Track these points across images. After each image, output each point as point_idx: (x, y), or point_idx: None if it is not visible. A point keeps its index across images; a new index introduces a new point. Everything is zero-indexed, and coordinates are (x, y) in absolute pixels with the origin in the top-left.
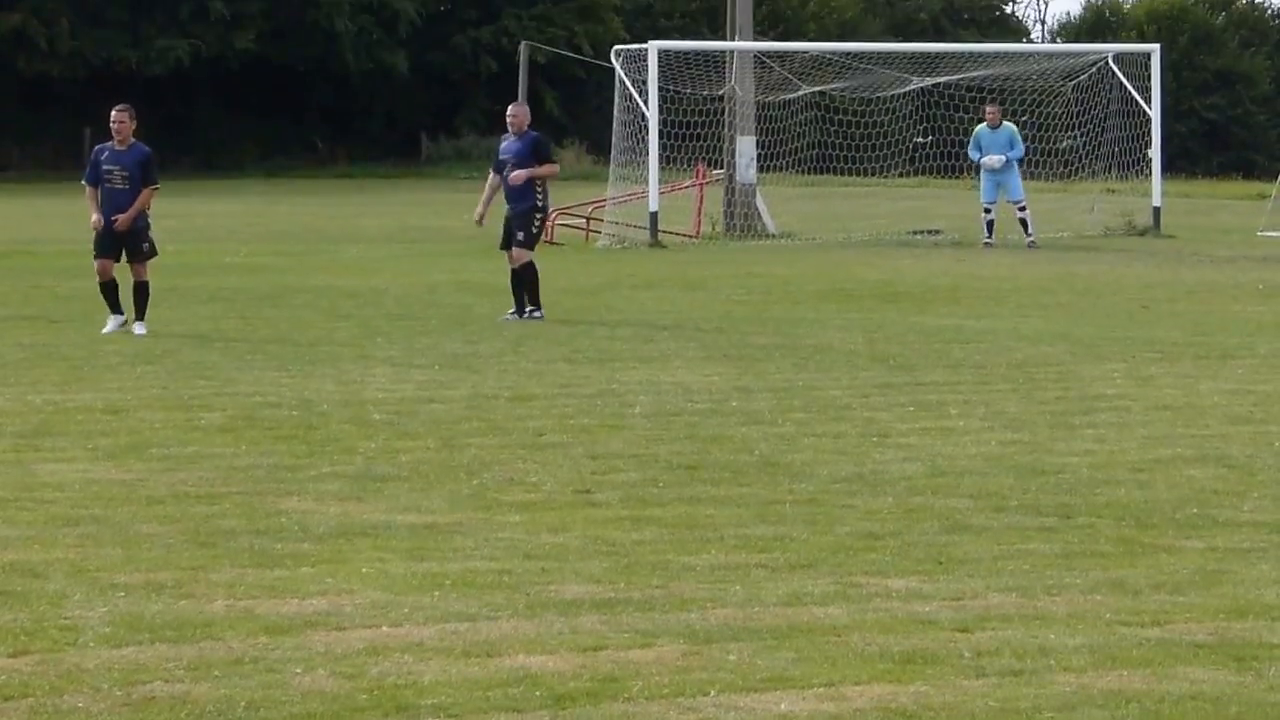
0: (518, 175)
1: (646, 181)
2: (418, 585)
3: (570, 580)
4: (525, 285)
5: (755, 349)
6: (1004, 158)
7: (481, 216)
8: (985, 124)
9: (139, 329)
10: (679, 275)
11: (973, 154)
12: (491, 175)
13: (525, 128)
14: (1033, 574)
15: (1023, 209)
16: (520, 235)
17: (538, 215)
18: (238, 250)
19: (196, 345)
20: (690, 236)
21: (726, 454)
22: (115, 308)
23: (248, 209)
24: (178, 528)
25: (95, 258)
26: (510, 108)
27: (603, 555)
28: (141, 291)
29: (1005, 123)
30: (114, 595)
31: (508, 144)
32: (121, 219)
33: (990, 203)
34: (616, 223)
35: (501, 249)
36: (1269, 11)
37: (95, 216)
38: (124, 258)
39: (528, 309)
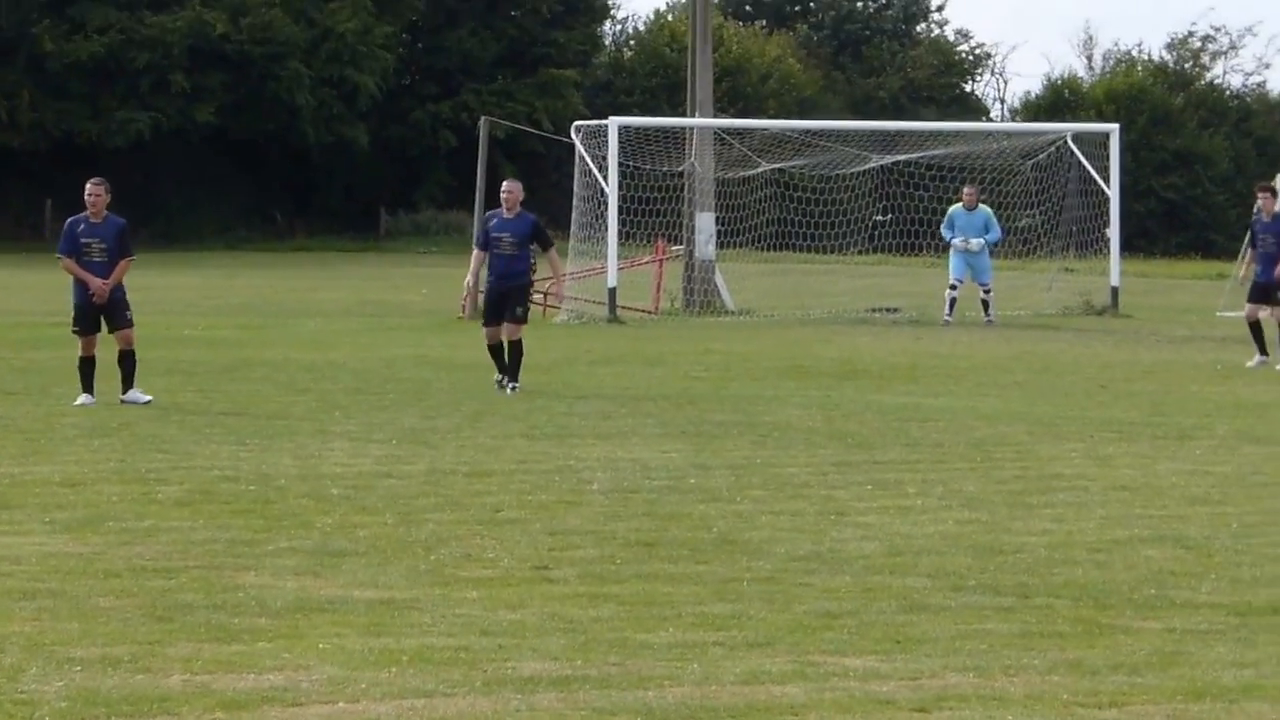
0: (559, 294)
1: (605, 257)
2: (374, 661)
3: (528, 657)
4: (517, 358)
5: (713, 426)
6: (983, 241)
7: (474, 292)
8: (961, 205)
9: (139, 396)
10: (638, 351)
11: (945, 233)
12: (477, 251)
13: (519, 205)
14: (990, 654)
15: (988, 291)
16: (519, 310)
17: (531, 290)
18: (196, 323)
19: (154, 418)
20: (649, 312)
21: (684, 531)
22: (89, 386)
23: (206, 282)
24: (135, 601)
25: (80, 334)
26: (505, 184)
27: (560, 632)
28: (128, 359)
29: (981, 205)
30: (70, 669)
31: (500, 221)
32: (99, 289)
33: (958, 281)
34: (575, 298)
35: (487, 324)
36: (1228, 92)
37: (97, 282)
38: (105, 329)
39: (510, 382)
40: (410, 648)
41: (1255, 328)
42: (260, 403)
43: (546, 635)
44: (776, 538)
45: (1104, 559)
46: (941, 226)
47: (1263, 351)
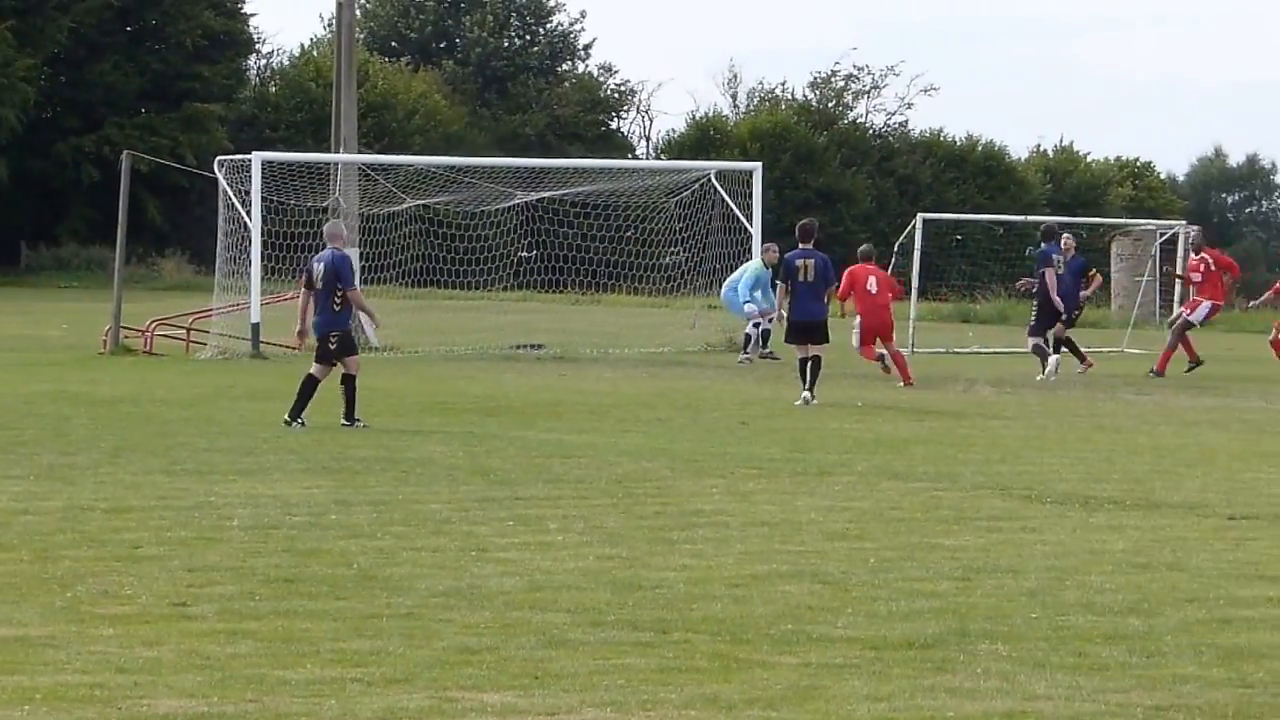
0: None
1: (249, 292)
2: (7, 699)
3: (163, 694)
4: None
5: (356, 462)
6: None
7: (304, 332)
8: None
9: None
10: (281, 387)
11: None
12: (305, 291)
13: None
14: (628, 689)
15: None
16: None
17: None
18: None
19: None
20: (293, 348)
21: (325, 567)
22: None
23: None
24: None
25: None
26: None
27: (197, 669)
28: None
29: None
30: None
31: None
32: None
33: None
34: (221, 334)
35: (322, 360)
36: (870, 131)
37: None
38: None
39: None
40: (44, 685)
41: (1068, 342)
42: None
43: (183, 672)
44: (417, 574)
45: (742, 594)
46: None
47: (1081, 359)
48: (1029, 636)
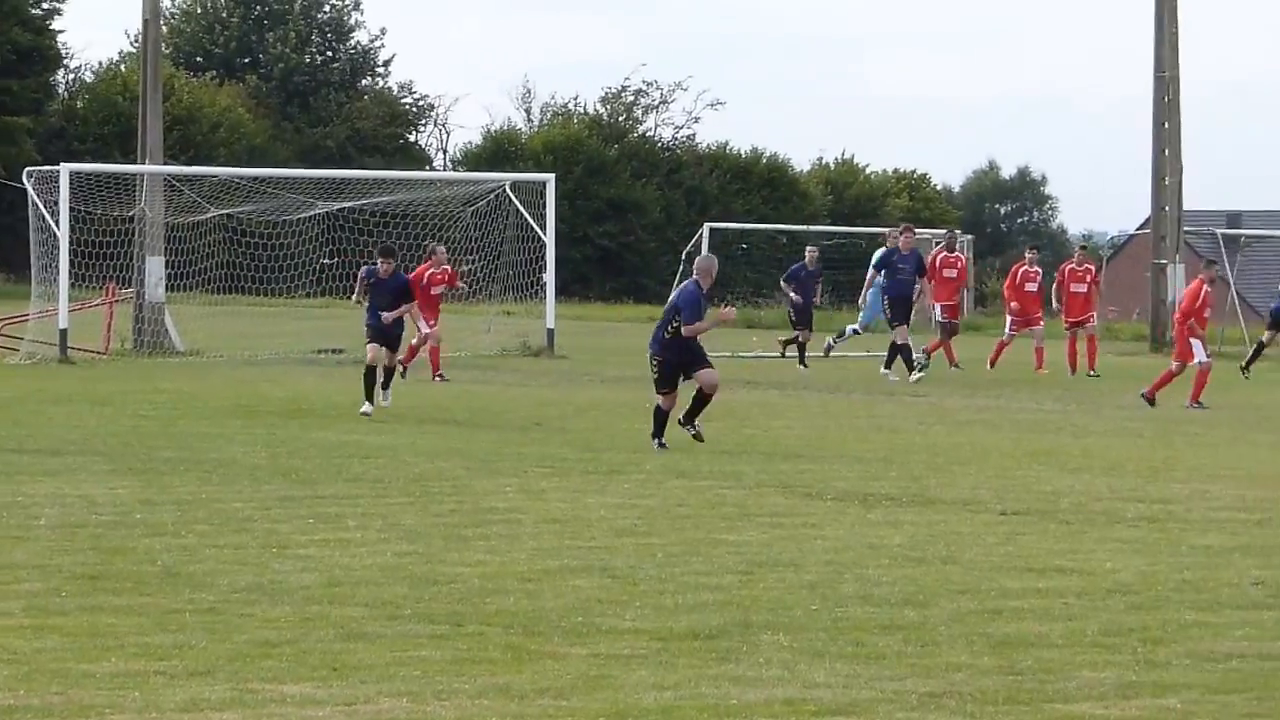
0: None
1: (57, 299)
2: None
3: None
4: None
5: (161, 463)
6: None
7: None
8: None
9: None
10: (88, 391)
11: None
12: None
13: None
14: (424, 680)
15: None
16: None
17: None
18: None
19: None
20: (100, 353)
21: (129, 564)
22: None
23: None
24: None
25: None
26: None
27: (4, 663)
28: None
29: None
30: None
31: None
32: None
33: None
34: (33, 340)
35: None
36: (659, 144)
37: None
38: None
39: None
40: None
41: (903, 349)
42: None
43: None
44: (219, 570)
45: (534, 588)
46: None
47: (910, 366)
48: (809, 627)
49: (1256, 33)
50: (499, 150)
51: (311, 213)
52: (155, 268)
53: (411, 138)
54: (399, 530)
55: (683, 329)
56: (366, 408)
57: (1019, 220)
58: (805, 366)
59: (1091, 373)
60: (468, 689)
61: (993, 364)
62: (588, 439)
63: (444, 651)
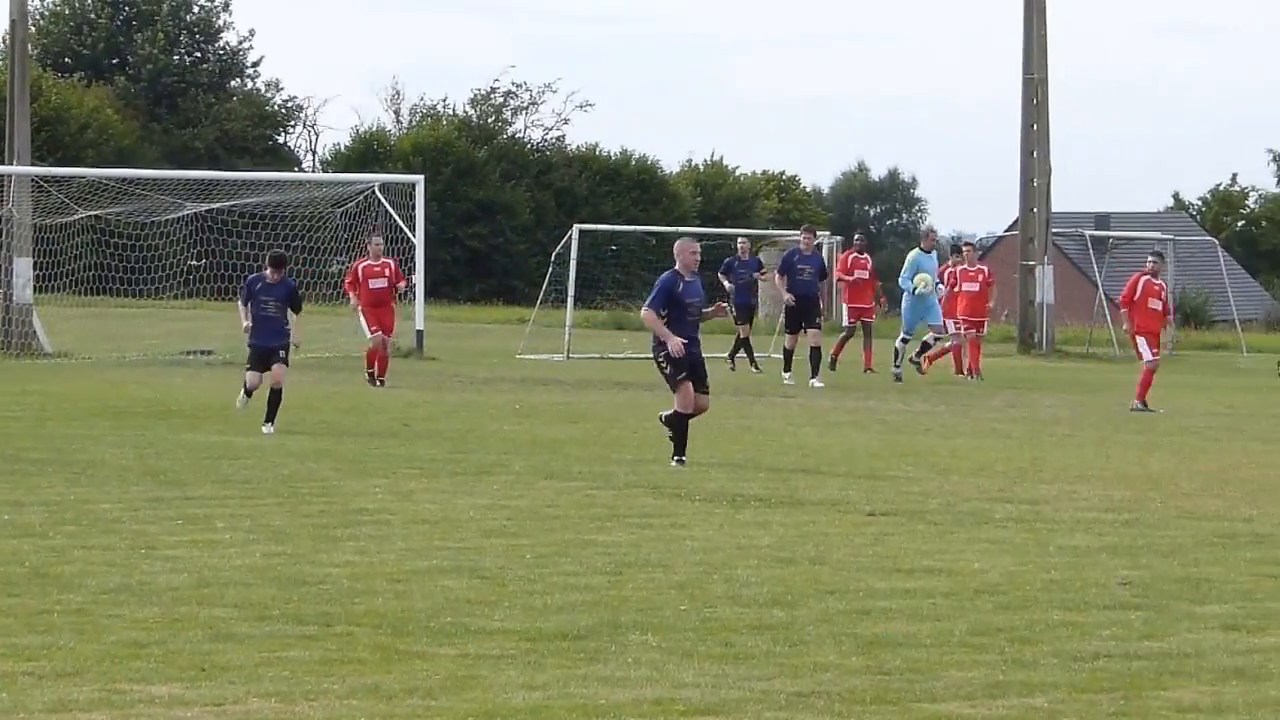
0: None
1: None
2: None
3: None
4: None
5: (29, 464)
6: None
7: None
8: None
9: None
10: None
11: (906, 283)
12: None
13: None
14: (293, 680)
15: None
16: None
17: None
18: None
19: None
20: None
21: None
22: None
23: None
24: None
25: None
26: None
27: None
28: None
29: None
30: None
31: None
32: None
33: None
34: None
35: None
36: (529, 146)
37: None
38: None
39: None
40: None
41: (790, 355)
42: None
43: None
44: (88, 571)
45: (403, 589)
46: (902, 277)
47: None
48: (678, 627)
49: (1125, 34)
50: (368, 151)
51: (180, 214)
52: (23, 269)
53: (280, 139)
54: (268, 531)
55: (642, 310)
56: (241, 402)
57: (888, 222)
58: (758, 370)
59: (977, 376)
60: (336, 689)
61: (926, 365)
62: (457, 440)
63: (313, 652)
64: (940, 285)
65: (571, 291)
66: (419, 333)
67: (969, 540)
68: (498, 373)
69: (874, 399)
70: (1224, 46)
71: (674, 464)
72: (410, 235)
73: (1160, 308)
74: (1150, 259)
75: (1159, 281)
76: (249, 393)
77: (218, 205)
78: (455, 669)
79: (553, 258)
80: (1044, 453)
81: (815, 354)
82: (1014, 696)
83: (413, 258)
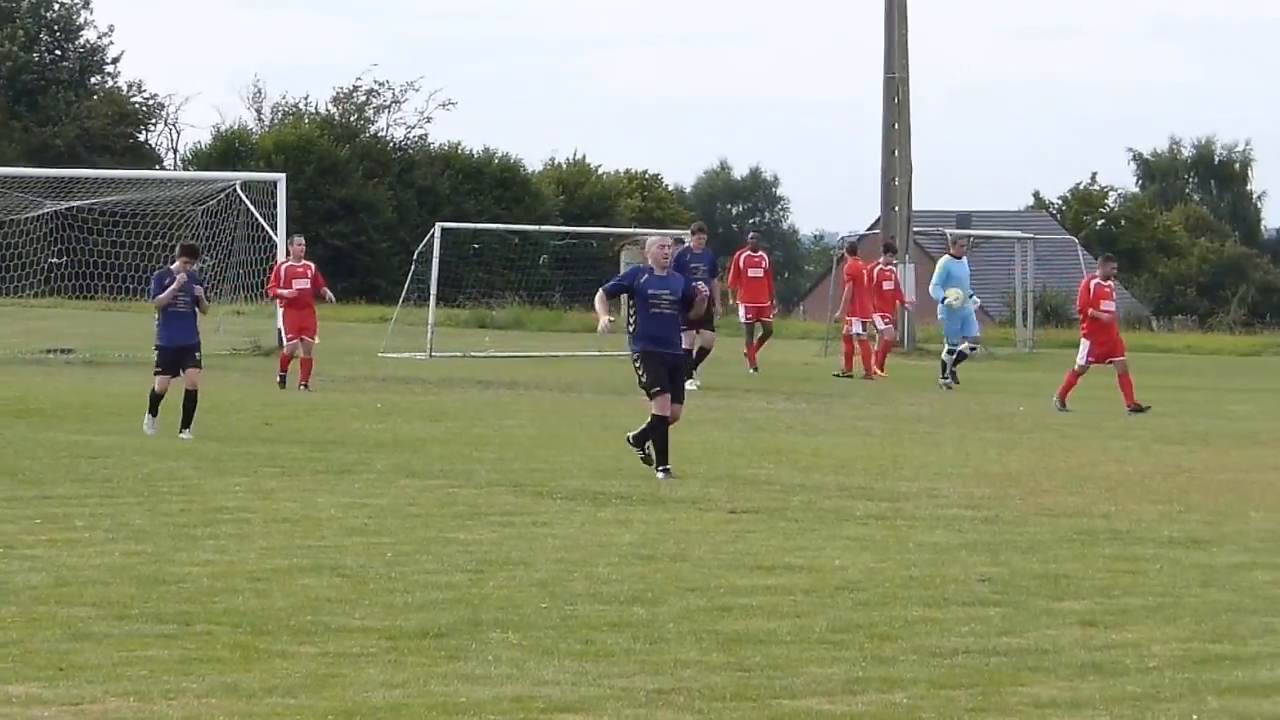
0: None
1: None
2: None
3: None
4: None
5: None
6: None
7: None
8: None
9: None
10: None
11: (937, 291)
12: None
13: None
14: (151, 679)
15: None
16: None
17: None
18: None
19: None
20: None
21: None
22: None
23: None
24: None
25: None
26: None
27: None
28: None
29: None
30: None
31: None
32: None
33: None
34: None
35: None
36: (391, 144)
37: None
38: None
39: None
40: None
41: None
42: None
43: None
44: None
45: (264, 587)
46: (933, 285)
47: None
48: (539, 625)
49: (985, 37)
50: (229, 150)
51: (40, 212)
52: None
53: (141, 137)
54: (127, 530)
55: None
56: (149, 424)
57: (750, 220)
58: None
59: (879, 374)
60: (195, 688)
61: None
62: (318, 439)
63: (172, 651)
64: (960, 293)
65: (434, 290)
66: (280, 331)
67: (829, 537)
68: (360, 371)
69: (736, 397)
70: (1081, 48)
71: (659, 475)
72: (272, 234)
73: (1112, 310)
74: (1103, 262)
75: (1108, 284)
76: (157, 401)
77: (78, 203)
78: (315, 667)
79: (415, 256)
80: (905, 450)
81: (701, 354)
82: (873, 692)
83: (275, 256)
